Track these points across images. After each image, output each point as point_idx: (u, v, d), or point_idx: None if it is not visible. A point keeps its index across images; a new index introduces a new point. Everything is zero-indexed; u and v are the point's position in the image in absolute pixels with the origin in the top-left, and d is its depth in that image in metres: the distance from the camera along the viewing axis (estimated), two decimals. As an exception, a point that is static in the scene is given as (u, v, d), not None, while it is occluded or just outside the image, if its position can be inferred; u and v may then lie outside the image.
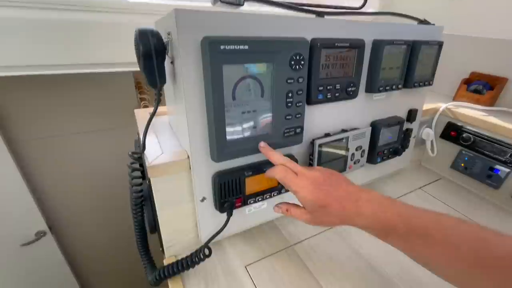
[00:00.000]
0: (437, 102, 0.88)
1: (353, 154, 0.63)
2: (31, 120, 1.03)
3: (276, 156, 0.46)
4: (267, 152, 0.46)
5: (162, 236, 0.51)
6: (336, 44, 0.51)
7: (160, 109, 0.68)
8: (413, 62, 0.63)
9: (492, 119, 0.76)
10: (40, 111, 1.04)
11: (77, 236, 1.30)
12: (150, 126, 0.45)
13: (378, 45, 0.56)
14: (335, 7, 0.58)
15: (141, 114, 0.66)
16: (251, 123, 0.46)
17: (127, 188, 0.52)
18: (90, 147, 1.18)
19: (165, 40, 0.42)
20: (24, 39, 0.71)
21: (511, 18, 0.85)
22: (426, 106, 0.83)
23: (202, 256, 0.48)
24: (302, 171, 0.43)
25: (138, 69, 0.87)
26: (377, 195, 0.41)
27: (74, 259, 1.33)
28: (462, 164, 0.81)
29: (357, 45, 0.54)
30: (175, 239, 0.53)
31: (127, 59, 0.85)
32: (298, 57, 0.45)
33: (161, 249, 0.56)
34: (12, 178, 1.00)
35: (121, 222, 1.35)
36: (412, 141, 0.81)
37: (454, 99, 0.94)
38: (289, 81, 0.46)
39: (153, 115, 0.44)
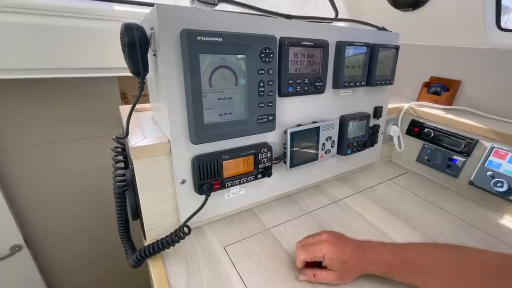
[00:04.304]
0: (402, 103, 0.97)
1: (323, 144, 0.69)
2: (9, 128, 1.01)
3: (298, 251, 0.50)
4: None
5: (143, 219, 0.54)
6: (302, 43, 0.58)
7: (144, 105, 0.73)
8: (373, 62, 0.71)
9: (448, 116, 0.85)
10: (20, 119, 1.02)
11: (55, 252, 1.24)
12: (134, 120, 0.49)
13: (340, 46, 0.64)
14: (309, 17, 0.66)
15: (125, 110, 0.70)
16: (227, 109, 0.51)
17: (110, 200, 0.53)
18: (71, 157, 1.15)
19: (148, 34, 0.47)
20: (8, 43, 0.72)
21: (461, 28, 0.97)
22: (392, 105, 0.91)
23: (181, 234, 0.50)
24: (316, 239, 0.49)
25: (122, 74, 0.91)
26: (372, 242, 0.50)
27: (52, 277, 1.26)
28: (426, 157, 0.89)
29: (321, 45, 0.61)
30: (156, 222, 0.56)
31: (112, 65, 0.88)
32: (267, 51, 0.51)
33: (142, 234, 0.58)
34: (-12, 188, 0.96)
35: (104, 237, 1.31)
36: (380, 137, 0.88)
37: (417, 100, 1.03)
38: (260, 72, 0.51)
39: (136, 101, 0.48)
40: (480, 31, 0.91)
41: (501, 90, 0.89)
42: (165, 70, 0.45)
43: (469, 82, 0.96)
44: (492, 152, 0.73)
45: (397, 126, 0.94)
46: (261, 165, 0.60)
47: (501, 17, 0.90)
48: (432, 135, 0.87)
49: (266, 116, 0.55)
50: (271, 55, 0.52)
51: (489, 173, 0.73)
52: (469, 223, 0.68)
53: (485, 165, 0.74)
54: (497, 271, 0.43)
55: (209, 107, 0.49)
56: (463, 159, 0.79)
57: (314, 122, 0.67)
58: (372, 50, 0.70)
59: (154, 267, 0.50)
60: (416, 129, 0.91)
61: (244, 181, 0.58)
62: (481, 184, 0.74)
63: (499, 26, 0.89)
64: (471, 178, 0.77)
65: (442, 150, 0.85)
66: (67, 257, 1.28)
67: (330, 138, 0.70)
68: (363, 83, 0.72)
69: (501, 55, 0.87)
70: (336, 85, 0.68)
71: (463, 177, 0.80)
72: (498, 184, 0.70)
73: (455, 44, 0.99)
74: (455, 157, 0.81)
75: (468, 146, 0.78)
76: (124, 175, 0.53)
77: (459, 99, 0.98)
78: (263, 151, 0.59)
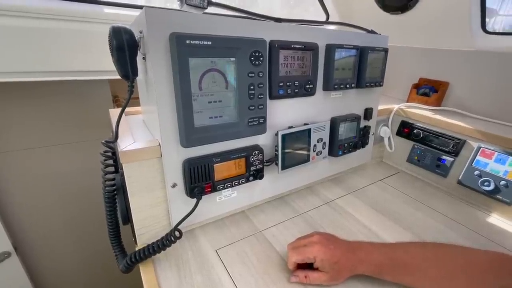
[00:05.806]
0: (392, 104, 0.98)
1: (315, 146, 0.70)
2: None
3: (289, 253, 0.50)
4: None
5: (134, 223, 0.53)
6: (292, 46, 0.58)
7: (136, 108, 0.72)
8: (363, 64, 0.72)
9: (437, 116, 0.86)
10: (8, 123, 1.00)
11: (45, 259, 1.22)
12: (125, 123, 0.49)
13: (330, 48, 0.65)
14: (299, 20, 0.66)
15: (115, 113, 0.69)
16: (218, 112, 0.51)
17: (100, 205, 0.53)
18: (61, 161, 1.13)
19: (137, 37, 0.47)
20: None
21: (449, 30, 0.99)
22: (382, 107, 0.92)
23: (172, 238, 0.50)
24: (307, 241, 0.50)
25: (113, 77, 0.90)
26: (362, 242, 0.51)
27: (42, 284, 1.23)
28: (416, 157, 0.90)
29: (311, 48, 0.62)
30: (147, 226, 0.55)
31: (103, 67, 0.87)
32: (257, 54, 0.51)
33: (133, 239, 0.57)
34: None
35: (95, 242, 1.29)
36: (371, 138, 0.89)
37: (407, 102, 1.05)
38: (250, 75, 0.52)
39: (126, 104, 0.48)
40: (466, 33, 0.93)
41: (487, 91, 0.91)
42: (155, 73, 0.45)
43: (457, 84, 0.98)
44: (479, 152, 0.74)
45: (388, 127, 0.96)
46: (252, 168, 0.60)
47: (488, 20, 0.92)
48: (421, 135, 0.88)
49: (257, 119, 0.55)
50: (261, 58, 0.52)
51: (476, 172, 0.74)
52: (458, 222, 0.69)
53: (472, 164, 0.76)
54: (482, 268, 0.44)
55: (199, 110, 0.49)
56: (452, 159, 0.81)
57: (305, 124, 0.68)
58: (362, 52, 0.71)
59: (145, 272, 0.50)
60: (406, 130, 0.93)
61: (236, 183, 0.58)
62: (469, 183, 0.76)
63: (484, 29, 0.92)
64: (460, 178, 0.78)
65: (431, 150, 0.86)
66: (57, 263, 1.26)
67: (322, 139, 0.71)
68: (353, 85, 0.72)
69: (487, 57, 0.89)
70: (327, 87, 0.68)
71: (452, 176, 0.82)
72: (485, 183, 0.72)
73: (443, 47, 1.01)
74: (444, 157, 0.83)
75: (456, 146, 0.80)
76: (114, 179, 0.53)
77: (447, 100, 1.00)
78: (255, 153, 0.59)
